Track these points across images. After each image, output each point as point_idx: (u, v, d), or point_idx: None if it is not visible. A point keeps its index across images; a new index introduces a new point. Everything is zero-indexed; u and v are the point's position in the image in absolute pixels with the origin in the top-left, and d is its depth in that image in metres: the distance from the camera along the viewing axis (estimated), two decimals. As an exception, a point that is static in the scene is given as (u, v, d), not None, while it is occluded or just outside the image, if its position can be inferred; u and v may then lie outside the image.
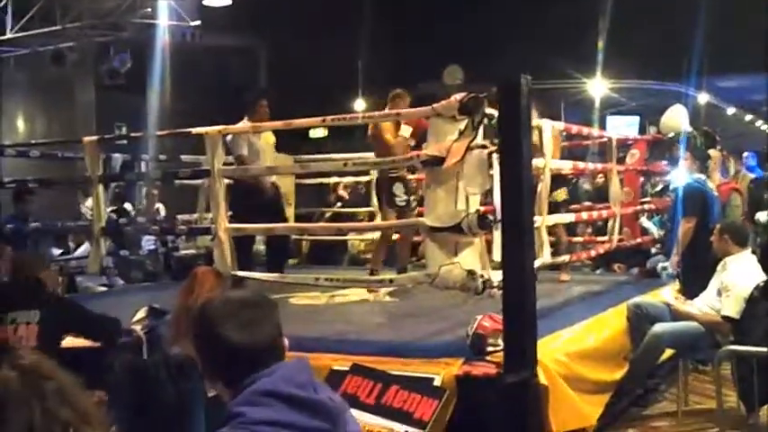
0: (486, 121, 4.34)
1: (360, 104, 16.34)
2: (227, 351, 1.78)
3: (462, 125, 4.26)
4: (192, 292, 3.90)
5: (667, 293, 5.55)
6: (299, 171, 7.85)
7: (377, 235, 6.91)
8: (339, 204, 9.52)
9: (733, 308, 4.85)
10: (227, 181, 5.40)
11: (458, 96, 4.28)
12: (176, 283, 5.00)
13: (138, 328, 4.24)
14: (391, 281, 5.15)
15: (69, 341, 4.23)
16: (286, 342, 1.89)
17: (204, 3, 12.08)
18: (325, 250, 8.96)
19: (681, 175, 6.53)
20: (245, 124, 6.02)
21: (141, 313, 4.41)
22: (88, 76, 12.53)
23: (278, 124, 6.13)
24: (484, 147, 4.33)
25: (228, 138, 5.86)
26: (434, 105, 4.39)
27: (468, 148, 4.23)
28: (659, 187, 8.53)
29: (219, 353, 1.80)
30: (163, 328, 4.03)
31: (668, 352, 5.08)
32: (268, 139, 6.38)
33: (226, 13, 12.87)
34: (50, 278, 4.50)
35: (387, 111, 5.92)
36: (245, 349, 1.77)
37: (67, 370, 1.66)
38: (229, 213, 5.81)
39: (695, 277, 5.56)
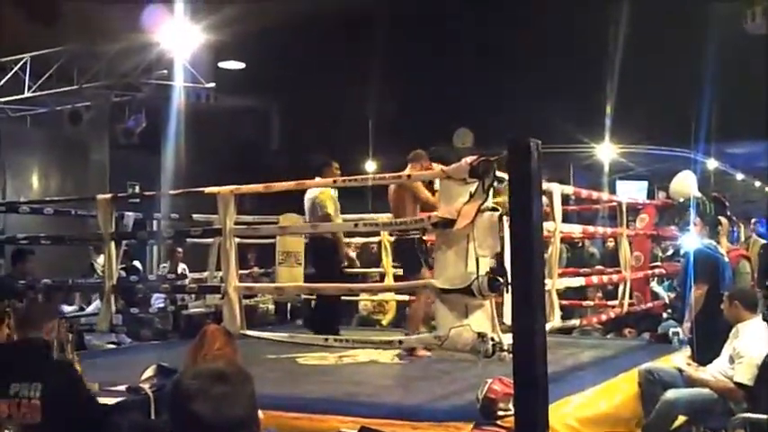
0: (495, 184, 4.37)
1: (370, 166, 16.48)
2: (198, 427, 1.77)
3: (473, 188, 4.29)
4: (201, 350, 3.90)
5: (679, 359, 5.51)
6: (310, 231, 7.88)
7: (387, 296, 6.92)
8: (344, 264, 9.51)
9: (746, 374, 4.81)
10: (243, 241, 5.45)
11: (468, 159, 4.32)
12: (185, 342, 4.99)
13: (146, 386, 4.21)
14: (401, 342, 5.12)
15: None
16: (261, 415, 1.89)
17: (219, 65, 12.35)
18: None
19: (691, 241, 6.54)
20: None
21: (150, 372, 4.39)
22: (103, 135, 12.72)
23: (290, 185, 6.19)
24: (494, 209, 4.36)
25: (313, 199, 6.66)
26: (445, 168, 4.43)
27: (479, 211, 4.25)
28: (669, 252, 8.53)
29: (190, 428, 1.79)
30: (171, 386, 4.00)
31: (681, 419, 5.01)
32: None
33: (240, 76, 13.14)
34: (60, 334, 4.36)
35: (408, 170, 6.00)
36: (216, 426, 1.76)
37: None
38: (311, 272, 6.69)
39: (707, 343, 5.52)
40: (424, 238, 6.27)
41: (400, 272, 7.13)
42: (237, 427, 1.77)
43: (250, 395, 1.84)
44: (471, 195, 4.28)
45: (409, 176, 5.74)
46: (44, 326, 3.92)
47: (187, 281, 7.87)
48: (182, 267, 9.28)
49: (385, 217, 6.62)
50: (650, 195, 15.33)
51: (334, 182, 5.97)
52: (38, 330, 3.89)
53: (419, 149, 6.26)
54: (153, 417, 4.02)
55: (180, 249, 9.36)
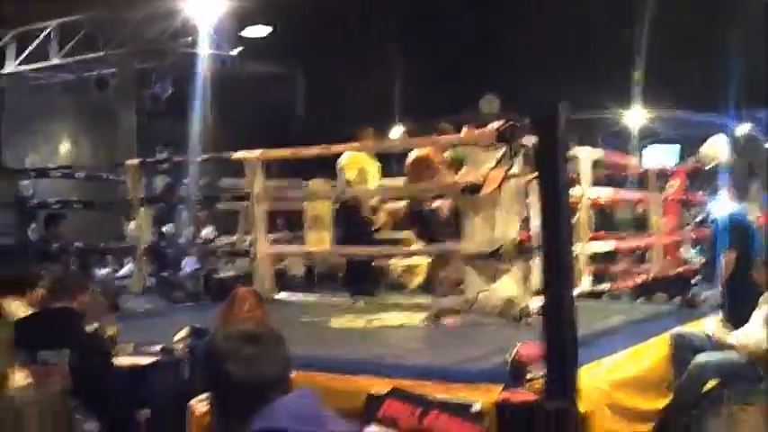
0: (523, 149, 4.35)
1: (396, 131, 16.42)
2: (231, 387, 1.80)
3: (500, 153, 4.28)
4: (231, 311, 3.95)
5: (710, 324, 5.48)
6: (337, 195, 7.90)
7: (416, 260, 6.95)
8: (373, 228, 9.50)
9: (776, 340, 4.78)
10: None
11: (495, 124, 4.30)
12: (216, 305, 5.05)
13: (179, 347, 4.27)
14: (429, 306, 5.14)
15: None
16: (294, 375, 1.92)
17: (244, 32, 12.32)
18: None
19: (721, 206, 6.48)
20: None
21: (183, 333, 4.46)
22: (130, 101, 12.80)
23: (316, 150, 6.22)
24: (522, 174, 4.34)
25: (339, 164, 6.65)
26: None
27: (506, 176, 4.24)
28: (699, 218, 8.45)
29: (224, 389, 1.83)
30: (204, 348, 4.05)
31: (711, 382, 5.01)
32: (372, 165, 6.84)
33: (265, 42, 13.10)
34: (93, 304, 4.40)
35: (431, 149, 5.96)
36: (248, 385, 1.80)
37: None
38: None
39: (738, 308, 5.49)
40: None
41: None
42: (267, 386, 1.80)
43: (282, 356, 1.87)
44: (498, 161, 4.26)
45: (438, 141, 5.71)
46: (77, 296, 3.99)
47: (216, 244, 7.92)
48: (207, 231, 9.29)
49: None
50: (681, 160, 15.16)
51: (370, 146, 5.96)
52: (70, 301, 3.95)
53: (443, 123, 6.20)
54: (186, 377, 4.09)
55: (200, 214, 9.32)
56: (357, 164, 6.75)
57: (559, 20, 13.25)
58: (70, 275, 5.07)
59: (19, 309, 4.24)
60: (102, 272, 8.17)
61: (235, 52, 11.89)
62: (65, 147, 12.85)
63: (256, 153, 5.30)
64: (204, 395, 2.27)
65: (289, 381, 1.87)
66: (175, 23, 11.16)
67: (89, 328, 4.17)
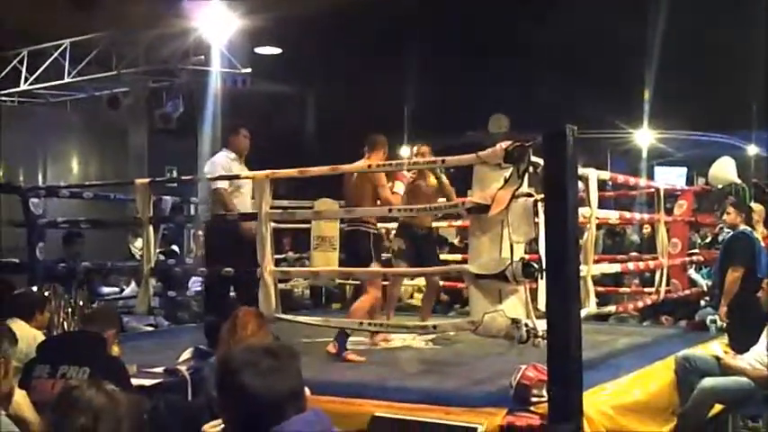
0: (531, 169, 4.34)
1: (405, 151, 16.45)
2: (248, 400, 1.79)
3: (507, 173, 4.27)
4: (234, 333, 3.94)
5: (717, 347, 5.44)
6: (345, 215, 7.90)
7: (421, 282, 6.91)
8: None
9: (783, 363, 4.74)
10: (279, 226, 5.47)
11: (503, 144, 4.30)
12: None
13: (183, 368, 4.27)
14: (435, 327, 5.12)
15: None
16: (308, 392, 1.91)
17: (256, 51, 12.40)
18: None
19: (729, 226, 6.46)
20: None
21: (186, 354, 4.46)
22: (141, 120, 12.86)
23: (325, 169, 6.23)
24: (529, 195, 4.33)
25: None
26: (480, 153, 4.41)
27: (514, 197, 4.23)
28: (708, 239, 8.41)
29: (240, 402, 1.81)
30: (207, 369, 4.06)
31: (717, 407, 4.96)
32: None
33: (276, 62, 13.18)
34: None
35: (366, 160, 5.91)
36: (265, 398, 1.79)
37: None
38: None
39: (744, 330, 5.45)
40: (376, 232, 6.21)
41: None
42: (283, 400, 1.79)
43: (297, 372, 1.87)
44: (506, 181, 4.26)
45: (444, 161, 5.68)
46: (106, 331, 4.01)
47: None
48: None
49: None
50: (689, 181, 15.13)
51: (369, 167, 5.96)
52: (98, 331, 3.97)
53: (379, 135, 6.03)
54: (190, 398, 4.09)
55: (201, 233, 9.29)
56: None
57: (568, 38, 13.26)
58: (106, 312, 5.05)
59: (24, 330, 4.27)
60: (108, 290, 8.17)
61: (247, 71, 11.93)
62: (76, 165, 12.90)
63: (264, 172, 5.31)
64: (216, 422, 2.26)
65: (304, 397, 1.86)
66: (188, 42, 11.22)
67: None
